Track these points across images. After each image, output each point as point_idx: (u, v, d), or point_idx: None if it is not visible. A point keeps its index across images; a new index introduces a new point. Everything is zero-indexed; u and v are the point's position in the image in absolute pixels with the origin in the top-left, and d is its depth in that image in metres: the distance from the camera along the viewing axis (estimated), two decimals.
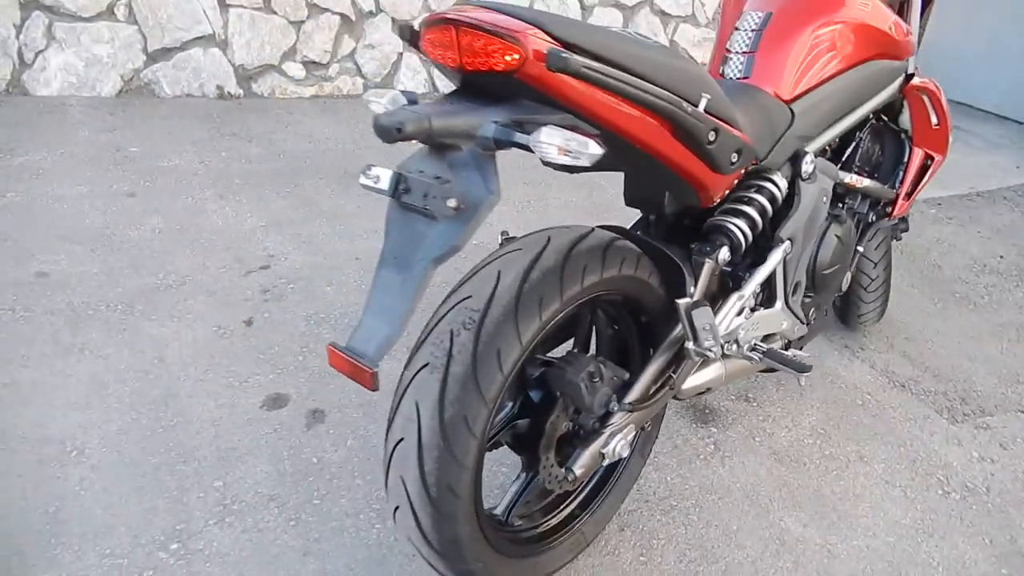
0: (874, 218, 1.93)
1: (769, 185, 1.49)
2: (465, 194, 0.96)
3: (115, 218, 2.59)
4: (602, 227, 1.32)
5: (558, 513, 1.44)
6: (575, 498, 1.47)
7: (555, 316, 1.14)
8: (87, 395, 1.79)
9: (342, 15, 3.88)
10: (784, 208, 1.54)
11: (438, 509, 1.10)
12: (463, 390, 1.07)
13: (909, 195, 1.92)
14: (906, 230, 2.22)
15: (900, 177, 1.90)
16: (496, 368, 1.08)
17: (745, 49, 1.52)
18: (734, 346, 1.47)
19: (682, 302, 1.25)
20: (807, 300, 1.71)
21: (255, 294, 2.27)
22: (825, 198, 1.61)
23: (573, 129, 1.00)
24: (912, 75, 1.79)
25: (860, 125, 1.79)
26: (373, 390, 1.00)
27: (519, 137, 0.96)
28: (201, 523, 1.50)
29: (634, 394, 1.30)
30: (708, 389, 1.53)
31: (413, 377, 1.10)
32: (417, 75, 4.17)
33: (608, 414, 1.28)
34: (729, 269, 1.52)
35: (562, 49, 0.97)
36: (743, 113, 1.32)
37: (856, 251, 1.90)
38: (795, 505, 1.70)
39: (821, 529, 1.64)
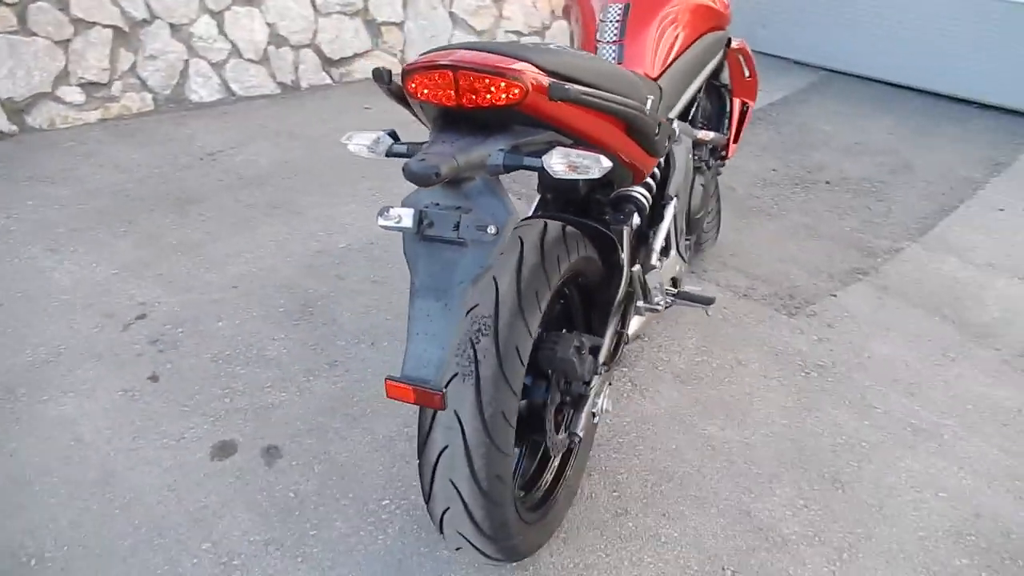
0: (714, 162, 2.28)
1: None
2: (495, 218, 1.07)
3: None
4: (543, 216, 1.48)
5: (548, 473, 1.61)
6: (558, 456, 1.65)
7: (548, 304, 1.29)
8: (13, 498, 1.64)
9: (114, 27, 3.55)
10: (665, 170, 1.80)
11: (490, 499, 1.23)
12: (496, 389, 1.20)
13: (735, 139, 2.29)
14: (724, 165, 2.62)
15: (727, 125, 2.26)
16: (518, 362, 1.22)
17: (614, 38, 1.73)
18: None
19: (635, 268, 1.46)
20: (686, 242, 2.01)
21: (146, 347, 2.14)
22: (689, 155, 1.90)
23: (572, 146, 1.14)
24: (730, 39, 2.12)
25: (700, 88, 2.10)
26: (443, 409, 1.10)
27: (528, 161, 1.09)
28: None
29: (603, 355, 1.50)
30: (639, 336, 1.78)
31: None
32: (209, 81, 3.94)
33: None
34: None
35: (558, 80, 1.10)
36: None
37: None
38: (709, 414, 2.02)
39: (735, 429, 1.98)
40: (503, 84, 1.06)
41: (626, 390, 2.10)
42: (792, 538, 1.66)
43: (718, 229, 2.75)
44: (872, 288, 2.69)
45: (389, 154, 1.17)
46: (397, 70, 1.14)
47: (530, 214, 1.61)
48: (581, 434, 1.42)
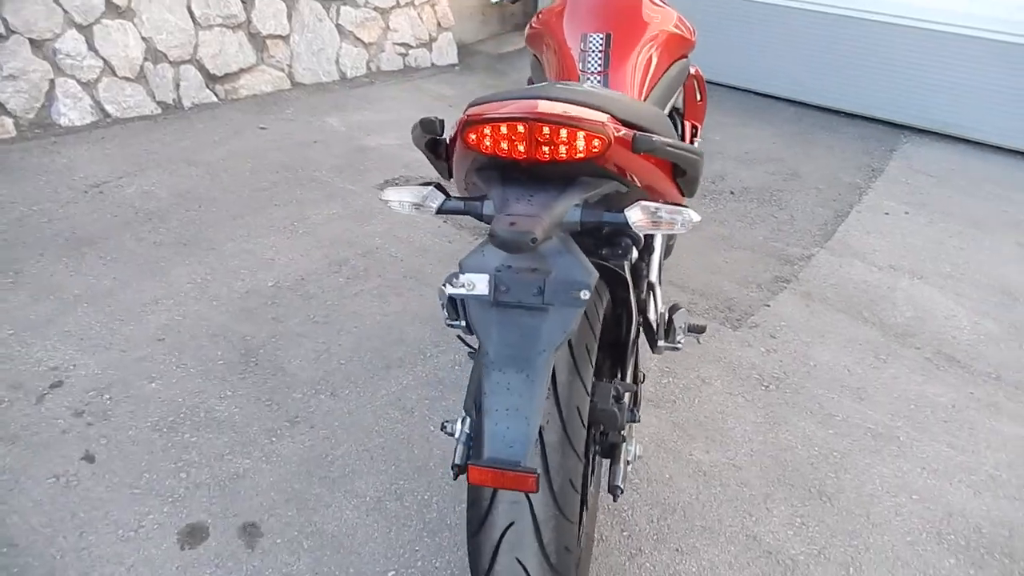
0: None
1: None
2: (582, 280, 0.99)
3: None
4: None
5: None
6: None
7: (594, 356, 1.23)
8: None
9: None
10: None
11: (558, 571, 1.15)
12: (563, 456, 1.12)
13: None
14: None
15: None
16: (580, 424, 1.15)
17: (598, 68, 1.69)
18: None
19: (661, 309, 1.42)
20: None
21: (71, 422, 1.85)
22: None
23: (645, 198, 1.08)
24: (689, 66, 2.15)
25: (668, 114, 2.11)
26: (536, 492, 1.00)
27: (609, 217, 1.02)
28: None
29: (635, 400, 1.46)
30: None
31: None
32: (79, 102, 3.52)
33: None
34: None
35: (643, 133, 1.04)
36: None
37: None
38: (691, 438, 2.04)
39: (719, 451, 2.00)
40: (584, 136, 0.99)
41: None
42: (800, 558, 1.69)
43: None
44: (797, 296, 2.83)
45: (440, 211, 1.07)
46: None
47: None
48: (623, 485, 1.37)
